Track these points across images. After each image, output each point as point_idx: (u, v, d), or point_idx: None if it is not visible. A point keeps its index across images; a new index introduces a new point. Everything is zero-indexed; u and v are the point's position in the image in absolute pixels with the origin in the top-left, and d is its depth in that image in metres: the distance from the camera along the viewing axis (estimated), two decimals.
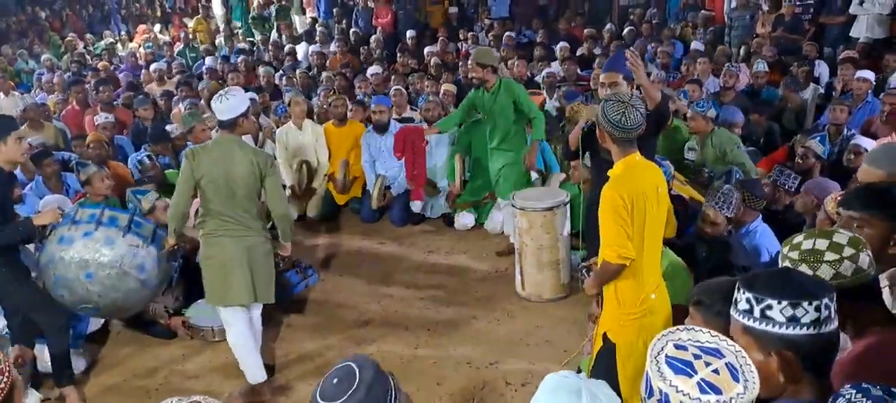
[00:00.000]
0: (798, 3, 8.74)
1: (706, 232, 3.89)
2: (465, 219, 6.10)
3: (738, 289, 1.56)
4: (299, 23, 13.96)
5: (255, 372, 3.87)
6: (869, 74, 6.31)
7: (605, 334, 2.98)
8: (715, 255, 3.78)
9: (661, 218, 2.84)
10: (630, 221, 2.67)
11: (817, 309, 1.47)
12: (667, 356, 1.39)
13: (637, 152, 2.79)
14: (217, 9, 14.92)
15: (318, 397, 1.62)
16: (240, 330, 3.82)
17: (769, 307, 1.49)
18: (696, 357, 1.36)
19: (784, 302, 1.48)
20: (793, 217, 4.28)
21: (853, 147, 4.73)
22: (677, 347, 1.40)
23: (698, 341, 1.41)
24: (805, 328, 1.47)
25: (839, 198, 2.61)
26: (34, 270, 3.95)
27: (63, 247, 3.77)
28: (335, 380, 1.64)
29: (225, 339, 4.35)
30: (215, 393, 3.97)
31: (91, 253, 3.76)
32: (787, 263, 1.84)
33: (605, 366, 2.97)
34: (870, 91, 6.23)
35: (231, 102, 3.62)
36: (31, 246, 4.05)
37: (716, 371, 1.34)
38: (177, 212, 3.82)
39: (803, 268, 1.78)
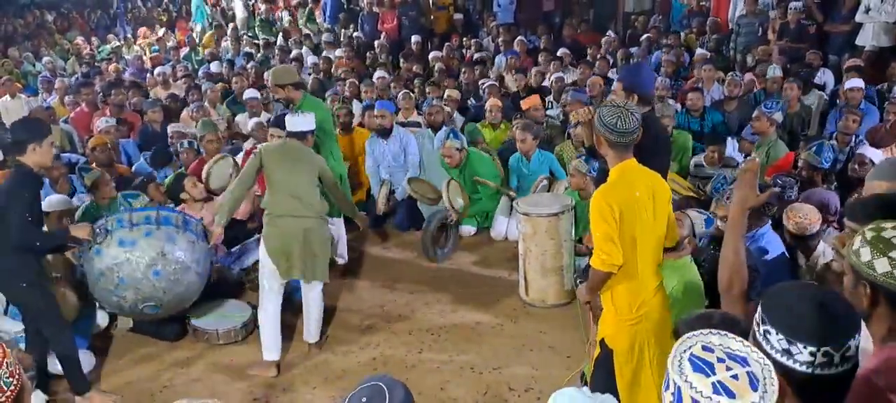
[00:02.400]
0: (803, 10, 8.72)
1: (717, 227, 3.88)
2: (466, 228, 6.10)
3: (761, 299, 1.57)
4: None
5: (269, 351, 4.17)
6: (859, 83, 6.27)
7: (603, 340, 2.98)
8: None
9: (658, 224, 2.83)
10: (616, 227, 2.67)
11: (812, 354, 1.45)
12: (692, 353, 1.37)
13: (633, 158, 2.79)
14: (239, 12, 14.78)
15: None
16: (268, 309, 4.14)
17: (769, 332, 1.50)
18: (720, 360, 1.35)
19: (780, 335, 1.48)
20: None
21: (858, 157, 4.71)
22: (705, 348, 1.38)
23: (729, 347, 1.38)
24: (800, 365, 1.46)
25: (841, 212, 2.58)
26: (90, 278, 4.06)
27: (127, 249, 3.93)
28: (364, 399, 1.62)
29: (228, 342, 4.51)
30: (219, 396, 3.99)
31: (157, 251, 3.97)
32: (857, 239, 1.72)
33: (604, 373, 2.98)
34: (862, 99, 6.21)
35: (303, 119, 4.28)
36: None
37: (735, 377, 1.32)
38: (233, 199, 4.20)
39: (864, 252, 1.68)
